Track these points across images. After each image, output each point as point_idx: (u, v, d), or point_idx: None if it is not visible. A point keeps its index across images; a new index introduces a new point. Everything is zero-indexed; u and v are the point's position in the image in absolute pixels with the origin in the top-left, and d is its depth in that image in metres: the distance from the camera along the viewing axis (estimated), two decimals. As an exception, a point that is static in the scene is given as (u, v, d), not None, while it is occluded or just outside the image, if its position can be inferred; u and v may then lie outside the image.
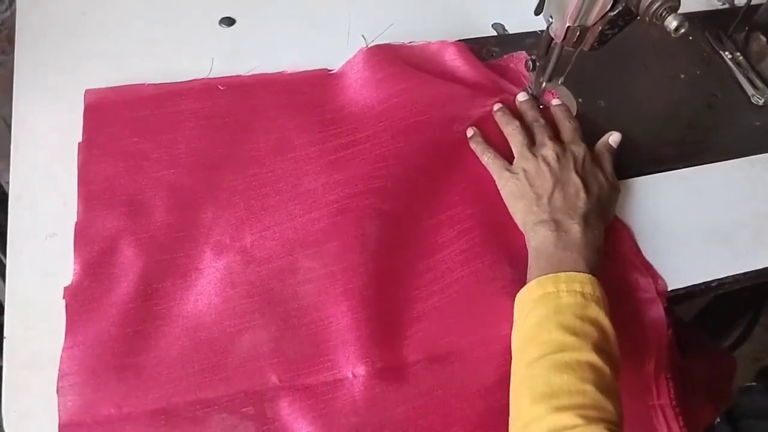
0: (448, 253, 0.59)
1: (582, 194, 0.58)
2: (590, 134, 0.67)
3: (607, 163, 0.63)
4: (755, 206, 0.65)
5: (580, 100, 0.71)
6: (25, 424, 0.49)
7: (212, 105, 0.64)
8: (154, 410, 0.49)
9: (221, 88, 0.66)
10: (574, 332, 0.48)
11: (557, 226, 0.56)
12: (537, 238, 0.56)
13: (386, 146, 0.63)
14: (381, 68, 0.67)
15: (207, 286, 0.54)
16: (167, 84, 0.65)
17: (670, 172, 0.67)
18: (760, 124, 0.72)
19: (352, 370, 0.52)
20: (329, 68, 0.70)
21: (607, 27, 0.58)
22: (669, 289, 0.59)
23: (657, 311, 0.57)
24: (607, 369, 0.47)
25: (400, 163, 0.62)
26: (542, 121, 0.65)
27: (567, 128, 0.65)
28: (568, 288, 0.51)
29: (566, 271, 0.52)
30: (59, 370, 0.50)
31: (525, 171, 0.61)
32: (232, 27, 0.74)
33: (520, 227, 0.60)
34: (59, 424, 0.48)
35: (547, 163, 0.60)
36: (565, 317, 0.49)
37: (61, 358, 0.50)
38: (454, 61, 0.71)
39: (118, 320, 0.52)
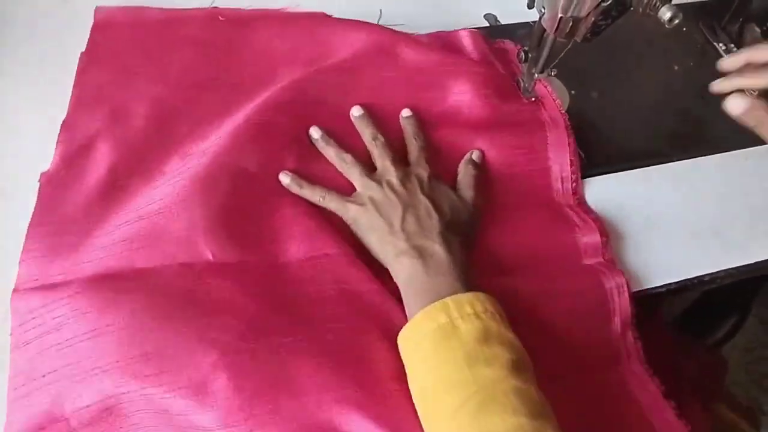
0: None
1: (434, 213, 0.55)
2: (583, 126, 0.67)
3: (467, 188, 0.60)
4: (748, 200, 0.65)
5: (573, 92, 0.70)
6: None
7: (209, 34, 0.68)
8: (93, 274, 0.52)
9: (221, 18, 0.69)
10: (486, 362, 0.44)
11: (420, 252, 0.52)
12: (404, 270, 0.53)
13: (353, 72, 0.65)
14: (380, 32, 0.68)
15: (167, 188, 0.56)
16: (171, 9, 0.69)
17: (663, 165, 0.67)
18: (754, 116, 0.72)
19: (283, 258, 0.55)
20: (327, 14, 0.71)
21: (600, 18, 0.57)
22: (660, 284, 0.59)
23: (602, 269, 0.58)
24: (529, 386, 0.44)
25: (383, 93, 0.64)
26: (381, 139, 0.61)
27: (414, 147, 0.61)
28: (460, 313, 0.47)
29: (445, 297, 0.48)
30: (24, 244, 0.53)
31: (372, 200, 0.56)
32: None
33: (382, 262, 0.56)
34: (14, 288, 0.51)
35: (393, 190, 0.57)
36: (471, 347, 0.45)
37: (26, 234, 0.53)
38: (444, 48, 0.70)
39: (84, 206, 0.55)
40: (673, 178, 0.66)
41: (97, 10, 0.68)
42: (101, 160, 0.58)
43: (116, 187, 0.56)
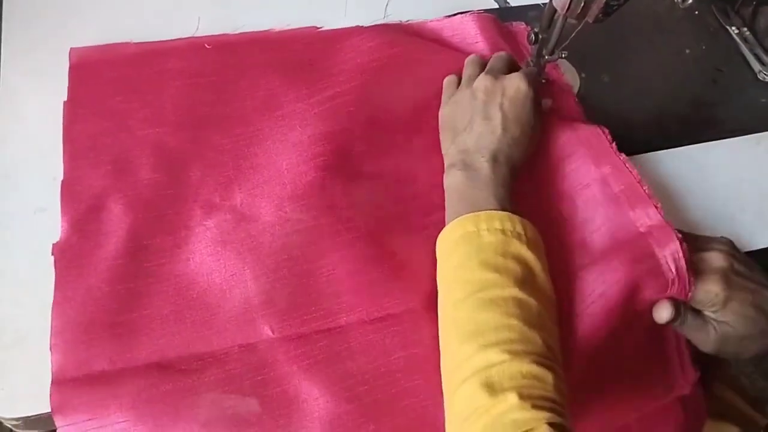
0: (441, 216, 0.56)
1: (499, 131, 0.56)
2: (594, 110, 0.66)
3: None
4: (760, 185, 0.64)
5: (584, 75, 0.69)
6: (14, 402, 0.48)
7: (198, 64, 0.63)
8: (147, 365, 0.49)
9: (207, 46, 0.65)
10: (496, 269, 0.47)
11: (467, 165, 0.55)
12: (450, 179, 0.55)
13: (371, 95, 0.62)
14: (373, 37, 0.66)
15: (198, 245, 0.54)
16: (152, 42, 0.64)
17: (674, 149, 0.66)
18: (767, 101, 0.71)
19: (346, 318, 0.52)
20: (318, 26, 0.69)
21: (613, -2, 0.56)
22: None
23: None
24: (533, 302, 0.46)
25: (389, 116, 0.62)
26: (503, 55, 0.63)
27: (517, 69, 0.62)
28: (488, 226, 0.49)
29: (481, 210, 0.51)
30: (51, 327, 0.49)
31: (455, 102, 0.60)
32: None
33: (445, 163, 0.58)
34: (52, 380, 0.47)
35: (474, 97, 0.58)
36: (487, 255, 0.48)
37: (52, 314, 0.49)
38: (454, 37, 0.69)
39: (108, 276, 0.51)
40: (683, 163, 0.65)
41: (72, 51, 0.63)
42: (117, 222, 0.53)
43: (140, 250, 0.53)
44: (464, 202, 0.53)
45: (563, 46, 0.65)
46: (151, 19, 0.68)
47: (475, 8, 0.73)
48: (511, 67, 0.63)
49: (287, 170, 0.57)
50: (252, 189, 0.56)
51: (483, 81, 0.58)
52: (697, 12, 0.77)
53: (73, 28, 0.66)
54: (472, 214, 0.50)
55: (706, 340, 0.52)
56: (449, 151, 0.58)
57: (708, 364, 0.60)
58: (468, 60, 0.63)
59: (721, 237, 0.55)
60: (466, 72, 0.62)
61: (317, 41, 0.66)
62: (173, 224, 0.54)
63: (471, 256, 0.48)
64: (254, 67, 0.64)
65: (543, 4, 0.75)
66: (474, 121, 0.57)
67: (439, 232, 0.54)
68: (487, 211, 0.50)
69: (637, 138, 0.65)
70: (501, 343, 0.43)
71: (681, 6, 0.51)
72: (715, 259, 0.52)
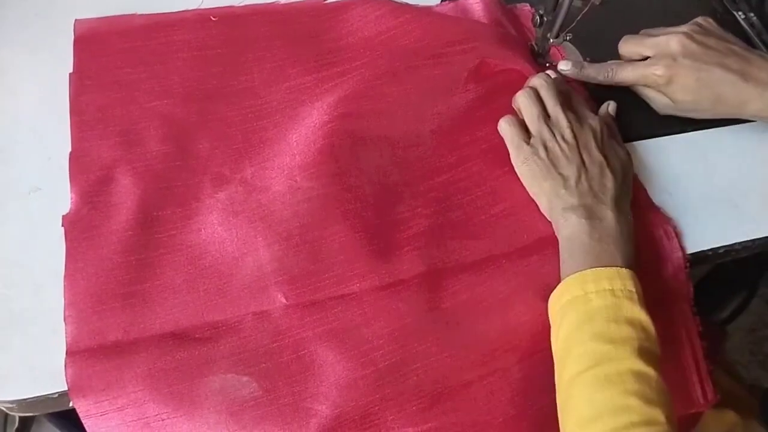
0: (449, 177, 0.58)
1: (608, 173, 0.55)
2: (597, 94, 0.65)
3: (617, 135, 0.61)
4: (765, 171, 0.63)
5: (588, 59, 0.68)
6: (8, 384, 0.47)
7: (204, 36, 0.63)
8: (161, 334, 0.48)
9: (213, 18, 0.64)
10: (610, 339, 0.45)
11: (589, 212, 0.52)
12: (568, 226, 0.52)
13: (382, 68, 0.62)
14: (380, 5, 0.65)
15: (209, 216, 0.54)
16: (158, 14, 0.64)
17: (677, 135, 0.65)
18: (773, 87, 0.70)
19: (359, 284, 0.51)
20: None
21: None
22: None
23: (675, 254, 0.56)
24: (651, 372, 0.44)
25: (396, 81, 0.61)
26: (550, 81, 0.60)
27: (577, 99, 0.61)
28: (596, 288, 0.47)
29: (604, 266, 0.49)
30: (64, 298, 0.49)
31: (547, 149, 0.56)
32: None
33: (545, 212, 0.56)
34: (67, 351, 0.47)
35: (566, 141, 0.56)
36: (598, 324, 0.46)
37: (64, 285, 0.49)
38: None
39: (119, 248, 0.51)
40: (688, 149, 0.64)
41: (78, 23, 0.62)
42: (126, 193, 0.53)
43: (150, 221, 0.52)
44: (585, 256, 0.50)
45: (568, 29, 0.64)
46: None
47: (479, -11, 0.72)
48: (561, 86, 0.61)
49: (296, 142, 0.57)
50: (262, 162, 0.56)
51: (568, 126, 0.56)
52: (704, -4, 0.76)
53: (70, 1, 0.65)
54: (578, 274, 0.49)
55: (661, 105, 0.63)
56: (559, 196, 0.54)
57: (707, 354, 0.60)
58: (521, 99, 0.59)
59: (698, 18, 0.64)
60: (532, 112, 0.58)
61: (324, 12, 0.66)
62: (183, 196, 0.54)
63: (581, 326, 0.46)
64: (261, 40, 0.63)
65: (547, -14, 0.74)
66: (580, 166, 0.55)
67: (444, 194, 0.56)
68: (594, 269, 0.48)
69: (638, 124, 0.65)
70: (621, 429, 0.42)
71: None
72: (665, 43, 0.61)
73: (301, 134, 0.57)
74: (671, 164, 0.63)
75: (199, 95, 0.59)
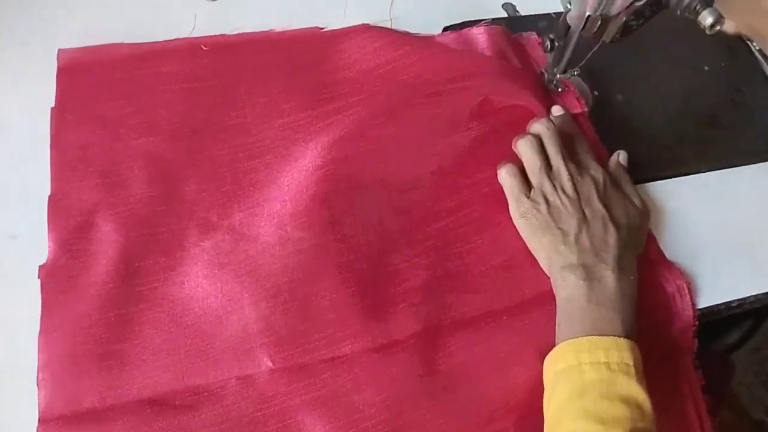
0: (448, 223, 0.55)
1: (611, 229, 0.52)
2: (606, 131, 0.62)
3: (629, 185, 0.57)
4: (784, 217, 0.60)
5: (596, 93, 0.65)
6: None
7: (195, 67, 0.60)
8: (139, 400, 0.46)
9: (204, 48, 0.61)
10: (601, 420, 0.42)
11: (588, 273, 0.49)
12: (566, 287, 0.50)
13: (380, 106, 0.59)
14: (380, 36, 0.62)
15: (193, 267, 0.51)
16: (146, 43, 0.60)
17: (690, 176, 0.62)
18: (790, 123, 0.67)
19: (350, 345, 0.49)
20: (320, 27, 0.65)
21: (632, 18, 0.52)
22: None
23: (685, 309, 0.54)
24: None
25: (394, 120, 0.58)
26: (553, 128, 0.56)
27: (581, 146, 0.58)
28: (591, 359, 0.45)
29: (600, 334, 0.46)
30: (39, 359, 0.46)
31: (547, 203, 0.53)
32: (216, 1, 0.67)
33: (544, 268, 0.53)
34: (39, 419, 0.44)
35: (566, 194, 0.53)
36: (590, 400, 0.43)
37: (39, 344, 0.46)
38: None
39: (98, 302, 0.48)
40: (701, 192, 0.61)
41: (61, 53, 0.58)
42: (107, 241, 0.50)
43: (131, 272, 0.49)
44: (581, 321, 0.48)
45: (577, 65, 0.61)
46: (143, 18, 0.64)
47: (484, 17, 0.69)
48: (567, 128, 0.58)
49: (288, 186, 0.54)
50: (252, 207, 0.53)
51: (570, 178, 0.53)
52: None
53: (56, 28, 0.62)
54: (574, 341, 0.46)
55: None
56: (558, 252, 0.51)
57: (710, 386, 0.57)
58: (523, 147, 0.56)
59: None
60: (533, 162, 0.55)
61: (321, 42, 0.63)
62: (167, 244, 0.51)
63: (573, 399, 0.44)
64: (254, 71, 0.60)
65: (554, 13, 0.71)
66: (581, 221, 0.52)
67: (443, 242, 0.53)
68: (590, 338, 0.46)
69: (648, 163, 0.62)
70: None
71: (708, 32, 0.47)
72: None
73: (294, 178, 0.54)
74: (683, 208, 0.60)
75: (188, 131, 0.56)
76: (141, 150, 0.54)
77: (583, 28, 0.55)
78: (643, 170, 0.61)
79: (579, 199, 0.53)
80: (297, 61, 0.61)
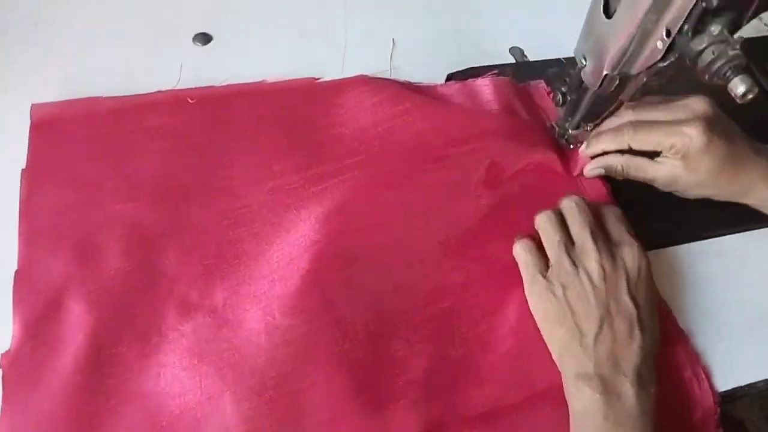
0: (452, 304, 0.50)
1: (636, 332, 0.45)
2: (619, 189, 0.58)
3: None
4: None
5: (610, 149, 0.61)
6: None
7: (180, 122, 0.56)
8: None
9: (191, 101, 0.57)
10: None
11: (606, 386, 0.43)
12: (580, 399, 0.44)
13: (379, 171, 0.55)
14: (378, 90, 0.58)
15: (171, 357, 0.46)
16: (128, 97, 0.56)
17: (712, 239, 0.58)
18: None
19: None
20: (316, 77, 0.61)
21: (653, 78, 0.49)
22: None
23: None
24: None
25: (395, 188, 0.54)
26: (580, 202, 0.50)
27: (611, 214, 0.51)
28: None
29: None
30: None
31: (564, 288, 0.47)
32: (208, 45, 0.63)
33: (555, 359, 0.47)
34: None
35: (592, 282, 0.46)
36: None
37: None
38: (465, 104, 0.61)
39: (65, 398, 0.43)
40: (721, 257, 0.57)
41: (35, 108, 0.54)
42: (77, 324, 0.45)
43: (103, 361, 0.44)
44: None
45: (592, 123, 0.57)
46: (125, 69, 0.60)
47: (490, 62, 0.65)
48: (597, 212, 0.52)
49: (278, 262, 0.49)
50: (236, 285, 0.49)
51: (599, 260, 0.46)
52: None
53: (31, 80, 0.58)
54: None
55: (667, 178, 0.54)
56: (573, 355, 0.45)
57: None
58: (543, 222, 0.50)
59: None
60: (553, 239, 0.49)
61: (316, 94, 0.59)
62: (143, 327, 0.46)
63: None
64: (244, 127, 0.56)
65: (564, 59, 0.67)
66: (603, 320, 0.45)
67: (447, 326, 0.48)
68: None
69: (668, 226, 0.58)
70: None
71: (739, 101, 0.43)
72: (693, 105, 0.54)
73: (284, 253, 0.50)
74: (701, 277, 0.55)
75: (171, 195, 0.52)
76: (119, 217, 0.50)
77: (600, 86, 0.51)
78: (661, 234, 0.57)
79: (606, 290, 0.46)
80: (290, 117, 0.57)
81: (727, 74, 0.43)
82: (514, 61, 0.67)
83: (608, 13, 0.48)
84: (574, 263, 0.47)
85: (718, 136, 0.52)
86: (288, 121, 0.57)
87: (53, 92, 0.56)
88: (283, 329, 0.46)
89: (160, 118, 0.55)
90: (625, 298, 0.46)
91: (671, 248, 0.57)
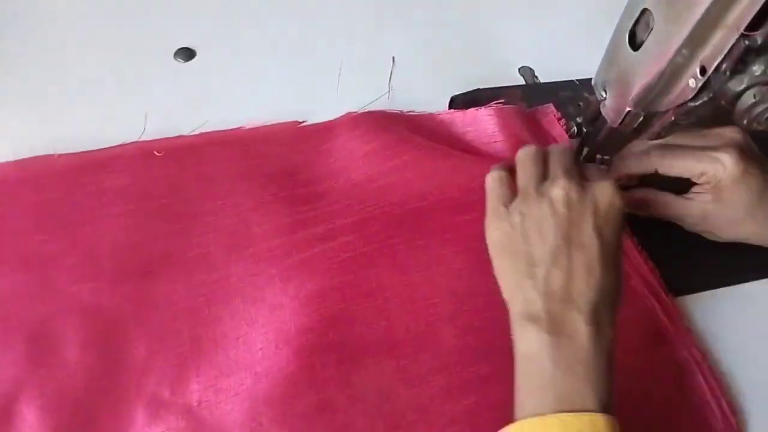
0: (478, 399, 0.43)
1: (597, 268, 0.39)
2: (641, 234, 0.53)
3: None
4: None
5: (626, 182, 0.56)
6: None
7: (146, 180, 0.49)
8: None
9: (158, 154, 0.50)
10: None
11: (555, 325, 0.38)
12: (526, 341, 0.39)
13: (374, 243, 0.48)
14: (370, 138, 0.52)
15: None
16: (86, 153, 0.50)
17: (737, 285, 0.53)
18: None
19: None
20: (301, 121, 0.55)
21: (682, 117, 0.43)
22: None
23: None
24: None
25: (394, 262, 0.48)
26: (567, 147, 0.47)
27: (594, 168, 0.49)
28: None
29: (570, 409, 0.36)
30: None
31: (522, 215, 0.42)
32: (191, 62, 0.58)
33: (503, 294, 0.42)
34: None
35: (553, 208, 0.41)
36: None
37: None
38: (468, 134, 0.56)
39: None
40: (750, 304, 0.52)
41: None
42: None
43: None
44: (550, 392, 0.37)
45: (608, 152, 0.52)
46: (82, 119, 0.53)
47: (499, 83, 0.60)
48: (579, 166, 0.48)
49: (263, 351, 0.43)
50: (214, 379, 0.42)
51: (566, 187, 0.42)
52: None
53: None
54: (539, 420, 0.36)
55: (696, 215, 0.50)
56: (521, 292, 0.41)
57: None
58: (523, 155, 0.46)
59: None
60: (526, 171, 0.45)
61: (301, 141, 0.53)
62: None
63: None
64: (220, 183, 0.50)
65: (578, 80, 0.62)
66: (560, 250, 0.40)
67: (471, 428, 0.41)
68: (561, 418, 0.35)
69: (686, 272, 0.52)
70: None
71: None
72: (725, 132, 0.49)
73: (270, 339, 0.43)
74: (730, 325, 0.50)
75: (136, 270, 0.45)
76: (76, 300, 0.43)
77: (621, 123, 0.46)
78: (685, 279, 0.52)
79: (569, 219, 0.41)
80: (272, 167, 0.51)
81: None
82: (523, 83, 0.62)
83: (635, 44, 0.43)
84: (540, 194, 0.43)
85: (753, 166, 0.48)
86: (268, 175, 0.50)
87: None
88: None
89: (123, 176, 0.49)
90: (589, 230, 0.41)
91: (692, 296, 0.52)
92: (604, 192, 0.42)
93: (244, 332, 0.44)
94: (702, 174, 0.48)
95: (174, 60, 0.58)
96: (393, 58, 0.61)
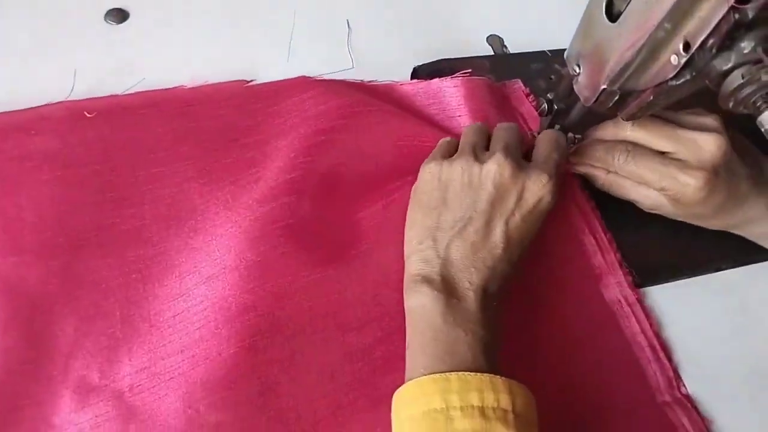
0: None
1: (498, 251, 0.40)
2: (610, 218, 0.50)
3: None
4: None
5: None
6: None
7: (75, 143, 0.44)
8: None
9: (89, 115, 0.45)
10: None
11: (450, 287, 0.39)
12: (417, 297, 0.39)
13: (318, 201, 0.45)
14: (327, 99, 0.48)
15: None
16: (9, 113, 0.44)
17: (708, 275, 0.50)
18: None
19: None
20: (248, 80, 0.50)
21: (661, 96, 0.40)
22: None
23: None
24: None
25: (347, 224, 0.45)
26: (515, 126, 0.46)
27: (544, 151, 0.46)
28: (462, 403, 0.35)
29: (460, 363, 0.36)
30: None
31: (450, 171, 0.43)
32: (124, 24, 0.52)
33: (405, 247, 0.43)
34: None
35: (481, 181, 0.41)
36: None
37: None
38: (431, 106, 0.51)
39: None
40: (719, 296, 0.49)
41: None
42: None
43: None
44: (438, 344, 0.37)
45: (579, 130, 0.49)
46: (14, 75, 0.47)
47: (465, 54, 0.56)
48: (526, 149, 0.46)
49: (200, 334, 0.39)
50: (148, 363, 0.38)
51: (500, 164, 0.41)
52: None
53: None
54: (439, 376, 0.36)
55: (654, 205, 0.47)
56: (421, 252, 0.41)
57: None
58: (469, 127, 0.47)
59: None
60: (468, 138, 0.45)
61: (247, 103, 0.48)
62: (30, 423, 0.36)
63: None
64: (156, 147, 0.45)
65: (550, 51, 0.58)
66: (470, 222, 0.41)
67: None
68: (460, 375, 0.36)
69: (657, 261, 0.50)
70: None
71: (768, 137, 0.35)
72: (701, 144, 0.44)
73: (209, 318, 0.39)
74: (695, 318, 0.48)
75: (64, 244, 0.41)
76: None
77: (595, 101, 0.42)
78: (652, 269, 0.49)
79: (494, 195, 0.41)
80: (214, 133, 0.46)
81: (758, 104, 0.34)
82: (492, 53, 0.58)
83: (611, 15, 0.38)
84: (477, 160, 0.43)
85: (718, 190, 0.45)
86: (211, 140, 0.46)
87: None
88: (209, 426, 0.37)
89: (50, 139, 0.43)
90: (506, 214, 0.41)
91: (661, 286, 0.49)
92: (537, 185, 0.42)
93: (180, 310, 0.40)
94: (662, 189, 0.45)
95: (105, 22, 0.52)
96: (347, 21, 0.56)
